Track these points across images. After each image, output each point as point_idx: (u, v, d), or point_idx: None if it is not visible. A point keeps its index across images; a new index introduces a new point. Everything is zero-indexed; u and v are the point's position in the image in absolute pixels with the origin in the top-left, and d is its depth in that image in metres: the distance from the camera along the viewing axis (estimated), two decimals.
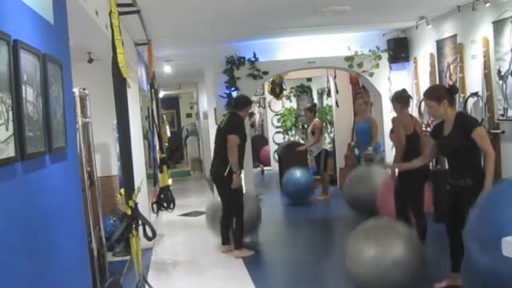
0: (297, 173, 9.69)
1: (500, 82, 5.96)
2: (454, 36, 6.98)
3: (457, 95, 6.54)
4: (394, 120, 5.87)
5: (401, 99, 5.85)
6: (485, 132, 4.57)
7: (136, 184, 4.47)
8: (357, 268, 4.65)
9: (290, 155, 11.20)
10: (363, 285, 4.73)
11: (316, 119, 10.43)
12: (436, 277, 5.00)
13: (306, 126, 13.36)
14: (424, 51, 7.97)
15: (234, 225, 6.48)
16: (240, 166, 6.47)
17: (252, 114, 15.21)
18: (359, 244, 4.69)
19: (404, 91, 6.04)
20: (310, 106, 11.24)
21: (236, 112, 6.58)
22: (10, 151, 1.91)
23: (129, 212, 3.83)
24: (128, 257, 6.13)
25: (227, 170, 6.27)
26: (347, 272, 4.84)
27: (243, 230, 6.46)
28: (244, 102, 6.68)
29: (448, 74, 7.19)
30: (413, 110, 8.20)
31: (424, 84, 7.88)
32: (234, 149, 6.28)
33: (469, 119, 4.59)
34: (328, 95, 12.94)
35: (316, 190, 10.38)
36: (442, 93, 4.51)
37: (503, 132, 6.06)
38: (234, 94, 8.48)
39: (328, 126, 13.35)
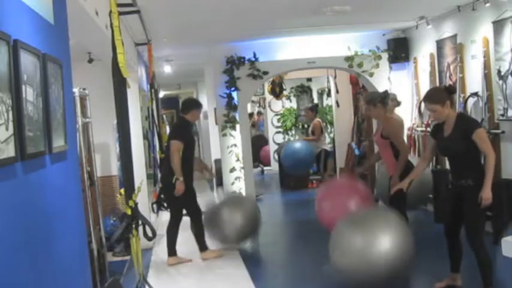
0: (296, 145, 9.83)
1: (500, 82, 5.96)
2: (454, 36, 6.98)
3: (457, 95, 6.54)
4: (393, 127, 5.56)
5: (387, 100, 5.63)
6: (486, 134, 4.56)
7: (137, 184, 4.47)
8: (343, 260, 4.42)
9: None
10: (349, 277, 4.52)
11: (317, 119, 10.45)
12: (436, 277, 5.00)
13: (306, 126, 13.36)
14: (424, 51, 7.97)
15: (194, 229, 6.43)
16: (188, 171, 6.20)
17: (251, 115, 15.22)
18: (346, 234, 4.45)
19: (387, 92, 5.87)
20: (311, 106, 11.24)
21: (183, 116, 6.38)
22: (10, 151, 1.91)
23: (129, 212, 3.83)
24: (128, 257, 6.13)
25: (174, 177, 6.03)
26: (333, 265, 4.56)
27: (203, 232, 6.42)
28: (189, 106, 6.41)
29: (448, 74, 7.19)
30: (413, 109, 8.21)
31: (424, 84, 7.87)
32: (175, 155, 6.01)
33: (469, 121, 4.58)
34: (328, 95, 12.94)
35: (311, 191, 10.42)
36: (443, 95, 4.49)
37: (503, 132, 6.05)
38: (234, 94, 8.48)
39: (328, 126, 13.35)
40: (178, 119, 6.67)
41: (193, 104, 6.51)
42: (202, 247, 6.45)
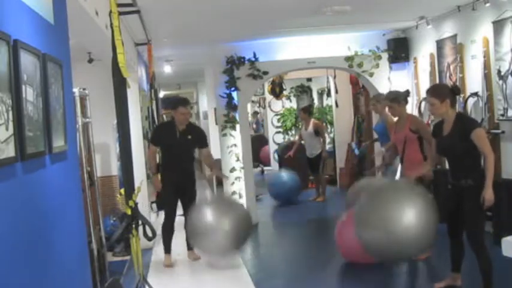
0: (284, 176, 9.89)
1: (500, 82, 5.96)
2: (454, 36, 6.98)
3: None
4: (420, 121, 5.88)
5: (406, 98, 5.84)
6: (485, 134, 4.54)
7: (136, 184, 4.47)
8: (367, 233, 4.33)
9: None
10: (373, 251, 4.48)
11: (313, 120, 10.25)
12: (436, 277, 5.00)
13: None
14: (424, 51, 7.97)
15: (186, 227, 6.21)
16: (165, 169, 6.23)
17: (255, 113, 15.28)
18: (369, 207, 4.35)
19: (408, 90, 6.08)
20: (304, 107, 10.91)
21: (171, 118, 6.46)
22: (10, 151, 1.91)
23: (129, 212, 3.83)
24: (128, 257, 6.13)
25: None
26: (358, 238, 4.41)
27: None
28: (168, 104, 6.56)
29: (448, 74, 7.18)
30: (413, 109, 8.21)
31: (424, 84, 7.86)
32: (148, 154, 6.60)
33: (468, 121, 4.58)
34: (328, 95, 12.94)
35: (310, 191, 10.38)
36: (445, 92, 4.50)
37: (503, 132, 6.05)
38: (234, 94, 8.47)
39: (328, 126, 13.35)
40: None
41: (171, 103, 6.59)
42: (189, 246, 6.34)
